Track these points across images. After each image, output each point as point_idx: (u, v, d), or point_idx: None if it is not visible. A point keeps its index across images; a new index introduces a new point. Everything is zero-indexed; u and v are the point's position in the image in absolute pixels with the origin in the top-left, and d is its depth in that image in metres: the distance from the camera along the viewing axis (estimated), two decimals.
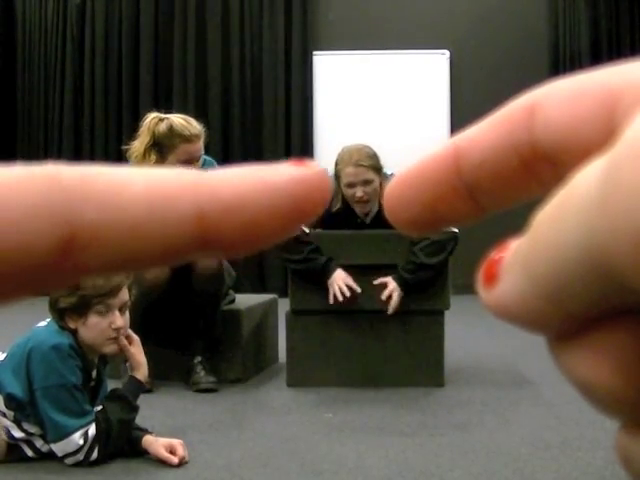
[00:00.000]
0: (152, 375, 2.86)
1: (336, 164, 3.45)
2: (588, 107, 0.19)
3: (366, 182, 3.38)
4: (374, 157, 3.44)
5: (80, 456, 2.39)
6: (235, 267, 3.76)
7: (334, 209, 3.41)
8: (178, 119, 3.37)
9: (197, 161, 3.39)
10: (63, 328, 2.41)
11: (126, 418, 2.45)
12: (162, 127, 3.32)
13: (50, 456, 2.43)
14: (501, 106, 0.21)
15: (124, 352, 2.49)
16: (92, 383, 2.51)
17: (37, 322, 2.53)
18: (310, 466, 2.39)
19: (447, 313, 3.43)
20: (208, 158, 3.59)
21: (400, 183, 0.22)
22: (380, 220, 3.39)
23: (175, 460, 2.39)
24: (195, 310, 3.42)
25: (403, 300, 3.30)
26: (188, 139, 3.32)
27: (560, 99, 0.19)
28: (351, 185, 3.39)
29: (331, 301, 3.29)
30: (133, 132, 3.53)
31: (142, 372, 2.53)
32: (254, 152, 7.15)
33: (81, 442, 2.38)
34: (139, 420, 2.52)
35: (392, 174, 3.26)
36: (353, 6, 7.29)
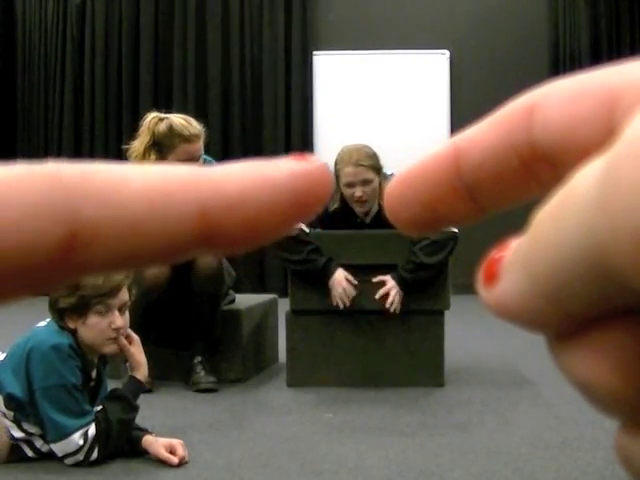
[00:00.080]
0: (152, 375, 2.86)
1: (335, 164, 3.45)
2: (587, 107, 0.19)
3: (365, 182, 3.38)
4: (374, 157, 3.44)
5: (80, 456, 2.39)
6: (235, 267, 3.76)
7: (331, 208, 3.41)
8: (178, 119, 3.37)
9: (197, 161, 3.39)
10: (63, 328, 2.41)
11: (126, 418, 2.45)
12: (162, 127, 3.32)
13: (50, 456, 2.43)
14: (501, 106, 0.21)
15: (124, 352, 2.49)
16: (92, 383, 2.51)
17: (37, 322, 2.53)
18: (310, 466, 2.39)
19: (447, 313, 3.43)
20: (208, 158, 3.59)
21: (400, 183, 0.22)
22: (380, 220, 3.39)
23: (175, 460, 2.39)
24: (195, 310, 3.42)
25: (403, 300, 3.30)
26: (188, 139, 3.32)
27: (559, 99, 0.19)
28: (350, 185, 3.39)
29: (334, 303, 3.31)
30: (133, 132, 3.53)
31: (142, 372, 2.53)
32: (254, 152, 7.15)
33: (81, 442, 2.38)
34: (139, 420, 2.52)
35: (392, 174, 3.26)
36: (353, 6, 7.29)
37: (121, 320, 2.43)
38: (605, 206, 0.15)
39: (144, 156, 3.34)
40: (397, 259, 3.33)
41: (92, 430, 2.39)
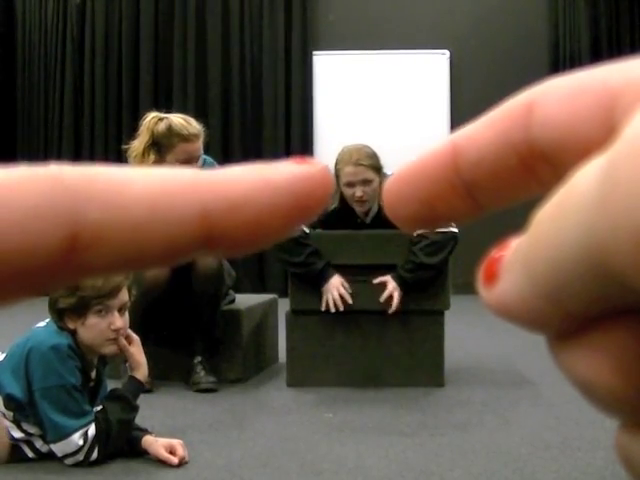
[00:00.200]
0: (152, 375, 2.86)
1: (336, 163, 3.45)
2: (587, 105, 0.18)
3: (365, 182, 3.38)
4: (374, 157, 3.44)
5: (80, 456, 2.39)
6: (235, 267, 3.76)
7: (331, 208, 3.41)
8: (177, 119, 3.38)
9: (196, 161, 3.39)
10: (62, 328, 2.41)
11: (126, 418, 2.45)
12: (161, 126, 3.33)
13: (50, 456, 2.43)
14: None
15: (123, 352, 2.49)
16: (91, 384, 2.51)
17: (36, 322, 2.53)
18: (310, 466, 2.39)
19: (447, 313, 3.43)
20: (208, 158, 3.59)
21: (398, 180, 0.22)
22: (380, 220, 3.39)
23: (175, 460, 2.39)
24: (195, 310, 3.42)
25: (403, 300, 3.30)
26: (186, 138, 3.32)
27: (558, 97, 0.19)
28: (350, 184, 3.39)
29: (323, 308, 3.32)
30: (133, 132, 3.54)
31: (142, 372, 2.53)
32: (254, 152, 7.15)
33: (81, 442, 2.38)
34: (139, 420, 2.52)
35: (392, 174, 3.26)
36: (353, 6, 7.29)
37: (121, 321, 2.43)
38: (605, 205, 0.15)
39: (143, 156, 3.34)
40: (397, 259, 3.33)
41: (92, 430, 2.39)
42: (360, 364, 3.41)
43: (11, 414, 2.41)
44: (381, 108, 7.17)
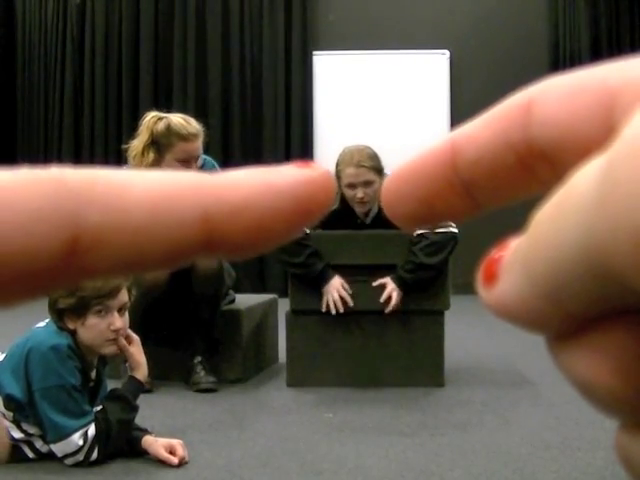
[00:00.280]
0: (152, 375, 2.86)
1: (337, 164, 3.45)
2: (586, 104, 0.18)
3: (367, 183, 3.38)
4: (375, 158, 3.44)
5: (80, 456, 2.39)
6: (235, 267, 3.76)
7: (331, 209, 3.41)
8: (177, 118, 3.39)
9: (195, 161, 3.40)
10: (62, 329, 2.41)
11: (126, 418, 2.45)
12: (160, 126, 3.34)
13: (50, 456, 2.43)
14: None
15: (123, 352, 2.49)
16: (91, 384, 2.51)
17: (36, 322, 2.53)
18: (310, 466, 2.39)
19: (447, 313, 3.43)
20: (208, 158, 3.59)
21: (397, 178, 0.22)
22: (380, 220, 3.39)
23: (175, 460, 2.38)
24: (195, 310, 3.42)
25: (403, 300, 3.30)
26: (185, 138, 3.33)
27: (557, 96, 0.19)
28: (352, 186, 3.39)
29: (323, 309, 3.32)
30: (133, 132, 3.54)
31: (142, 372, 2.53)
32: (254, 152, 7.15)
33: (81, 442, 2.38)
34: (139, 420, 2.52)
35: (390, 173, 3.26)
36: (353, 6, 7.29)
37: (120, 321, 2.43)
38: (604, 206, 0.15)
39: (143, 155, 3.35)
40: (397, 259, 3.33)
41: (92, 430, 2.39)
42: (360, 364, 3.41)
43: (11, 414, 2.41)
44: (381, 108, 7.17)
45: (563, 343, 0.17)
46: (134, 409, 2.49)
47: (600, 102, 0.18)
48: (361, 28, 7.23)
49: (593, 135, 0.18)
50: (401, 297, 3.29)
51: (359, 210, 3.47)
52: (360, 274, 3.33)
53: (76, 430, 2.37)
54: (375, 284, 3.31)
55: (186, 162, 3.34)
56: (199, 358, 3.42)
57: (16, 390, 2.38)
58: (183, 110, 4.58)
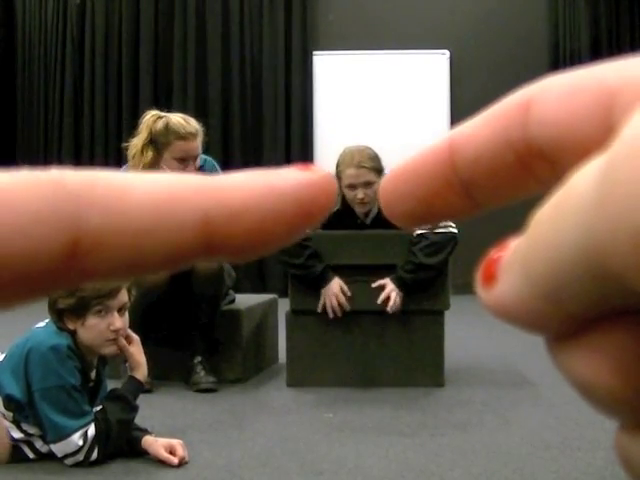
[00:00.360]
0: (152, 375, 2.86)
1: (337, 165, 3.45)
2: (585, 103, 0.18)
3: (367, 184, 3.38)
4: (376, 159, 3.44)
5: (80, 456, 2.39)
6: (235, 267, 3.76)
7: (332, 210, 3.41)
8: (176, 117, 3.40)
9: (194, 160, 3.40)
10: (62, 329, 2.41)
11: (125, 418, 2.45)
12: (159, 124, 3.36)
13: (50, 457, 2.43)
14: None
15: (123, 352, 2.49)
16: (91, 384, 2.51)
17: (36, 323, 2.53)
18: (310, 466, 2.39)
19: (447, 313, 3.43)
20: (208, 158, 3.59)
21: (395, 177, 0.22)
22: (380, 221, 3.39)
23: (175, 461, 2.38)
24: (195, 310, 3.42)
25: (403, 300, 3.30)
26: (183, 137, 3.33)
27: (556, 95, 0.19)
28: (352, 187, 3.39)
29: (319, 309, 3.32)
30: (133, 132, 3.54)
31: (141, 372, 2.53)
32: (254, 152, 7.15)
33: (80, 443, 2.38)
34: (139, 420, 2.52)
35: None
36: (353, 6, 7.29)
37: (120, 321, 2.43)
38: (604, 207, 0.15)
39: (142, 153, 3.36)
40: (397, 259, 3.33)
41: (92, 430, 2.39)
42: (360, 364, 3.41)
43: (11, 415, 2.41)
44: (381, 108, 7.17)
45: (563, 344, 0.17)
46: (134, 409, 2.49)
47: (599, 101, 0.18)
48: (361, 28, 7.24)
49: (592, 135, 0.18)
50: (401, 297, 3.29)
51: (359, 211, 3.47)
52: (360, 274, 3.33)
53: (76, 430, 2.37)
54: (374, 285, 3.31)
55: (184, 161, 3.35)
56: (199, 358, 3.42)
57: (16, 390, 2.38)
58: (183, 110, 4.57)
